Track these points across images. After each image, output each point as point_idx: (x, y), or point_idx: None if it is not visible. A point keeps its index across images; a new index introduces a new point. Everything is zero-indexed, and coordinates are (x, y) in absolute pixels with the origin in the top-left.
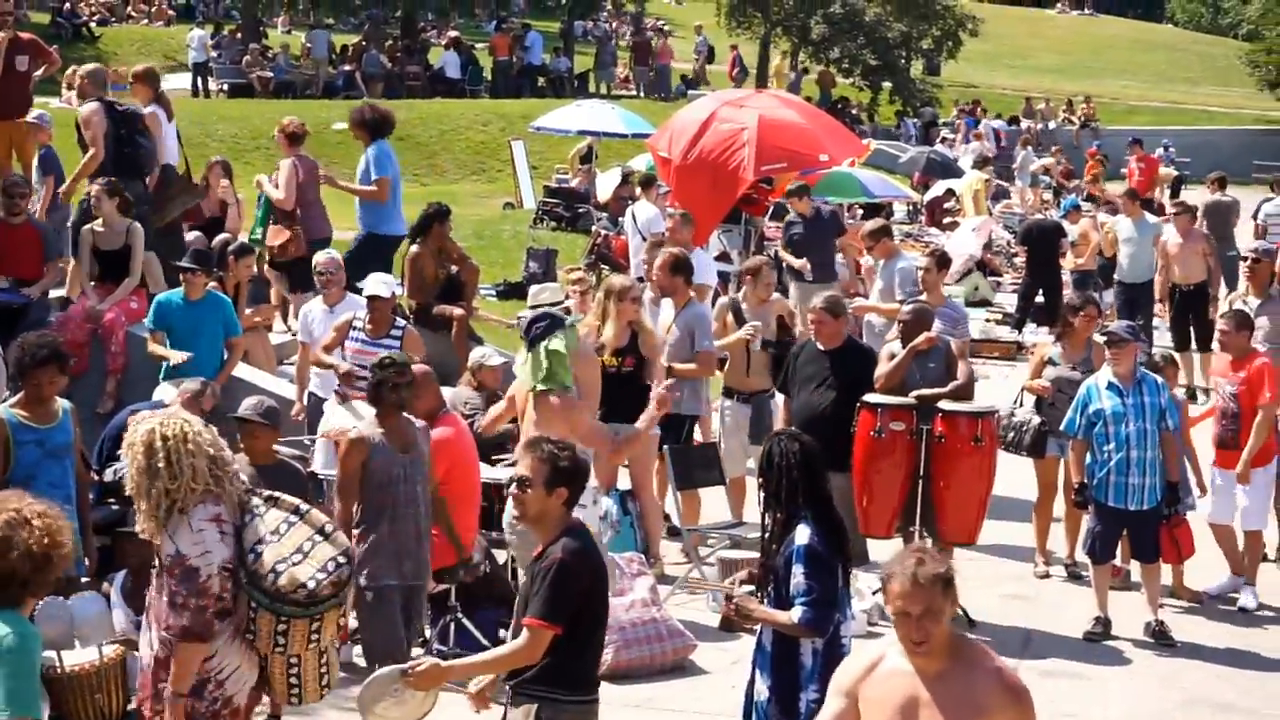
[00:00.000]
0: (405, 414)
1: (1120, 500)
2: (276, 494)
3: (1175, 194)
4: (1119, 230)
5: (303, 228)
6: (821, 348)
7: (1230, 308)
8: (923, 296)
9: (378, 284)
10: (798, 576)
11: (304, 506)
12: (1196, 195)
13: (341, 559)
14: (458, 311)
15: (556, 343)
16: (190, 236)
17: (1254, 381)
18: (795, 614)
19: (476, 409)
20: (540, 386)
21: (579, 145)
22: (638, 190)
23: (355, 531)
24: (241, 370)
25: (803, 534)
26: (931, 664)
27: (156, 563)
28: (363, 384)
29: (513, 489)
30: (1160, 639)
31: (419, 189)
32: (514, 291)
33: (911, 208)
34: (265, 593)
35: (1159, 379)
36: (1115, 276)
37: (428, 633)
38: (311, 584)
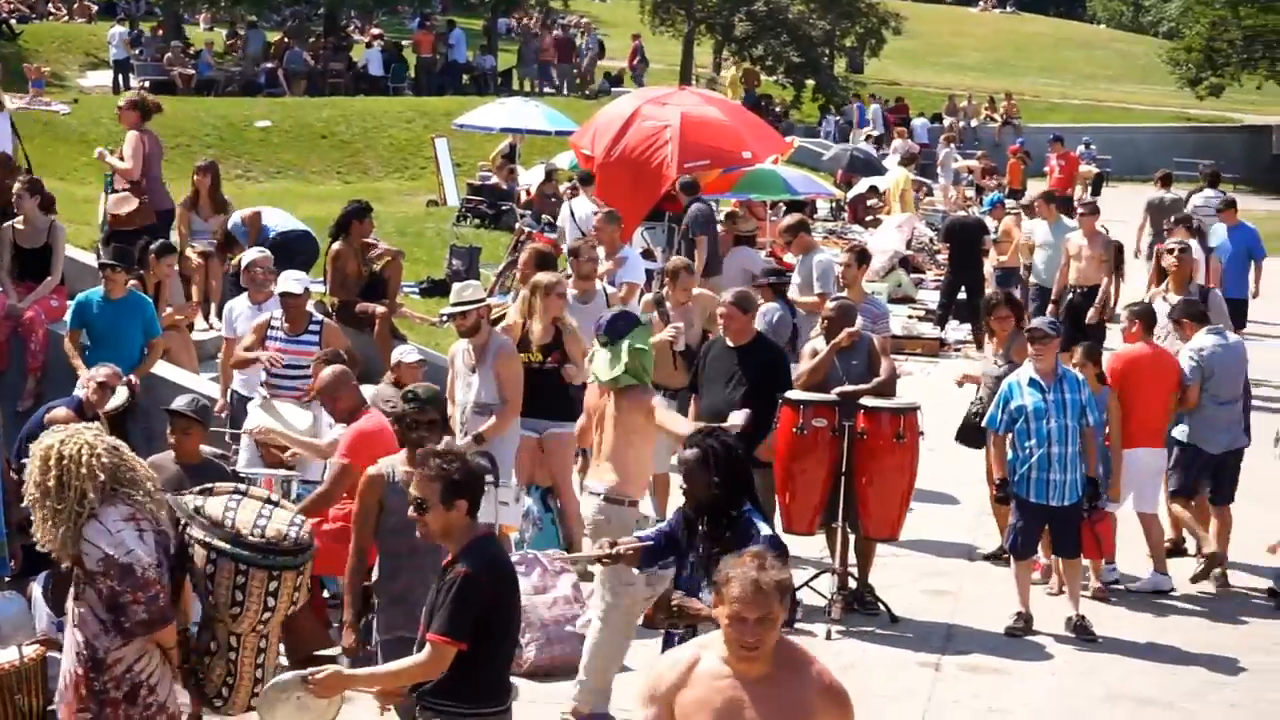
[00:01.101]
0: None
1: (1042, 496)
2: (209, 485)
3: (1096, 191)
4: (1034, 233)
5: (151, 200)
6: (730, 344)
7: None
8: (843, 293)
9: (289, 281)
10: None
11: (242, 487)
12: (1122, 193)
13: (299, 519)
14: (380, 309)
15: (639, 339)
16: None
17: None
18: None
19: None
20: (625, 382)
21: (502, 143)
22: (577, 186)
23: (373, 579)
24: (163, 368)
25: (764, 526)
26: (755, 668)
27: (77, 571)
28: (286, 381)
29: (411, 513)
30: (1081, 634)
31: (342, 186)
32: (437, 289)
33: (835, 205)
34: (255, 549)
35: (1079, 375)
36: (1030, 279)
37: None
38: (293, 533)
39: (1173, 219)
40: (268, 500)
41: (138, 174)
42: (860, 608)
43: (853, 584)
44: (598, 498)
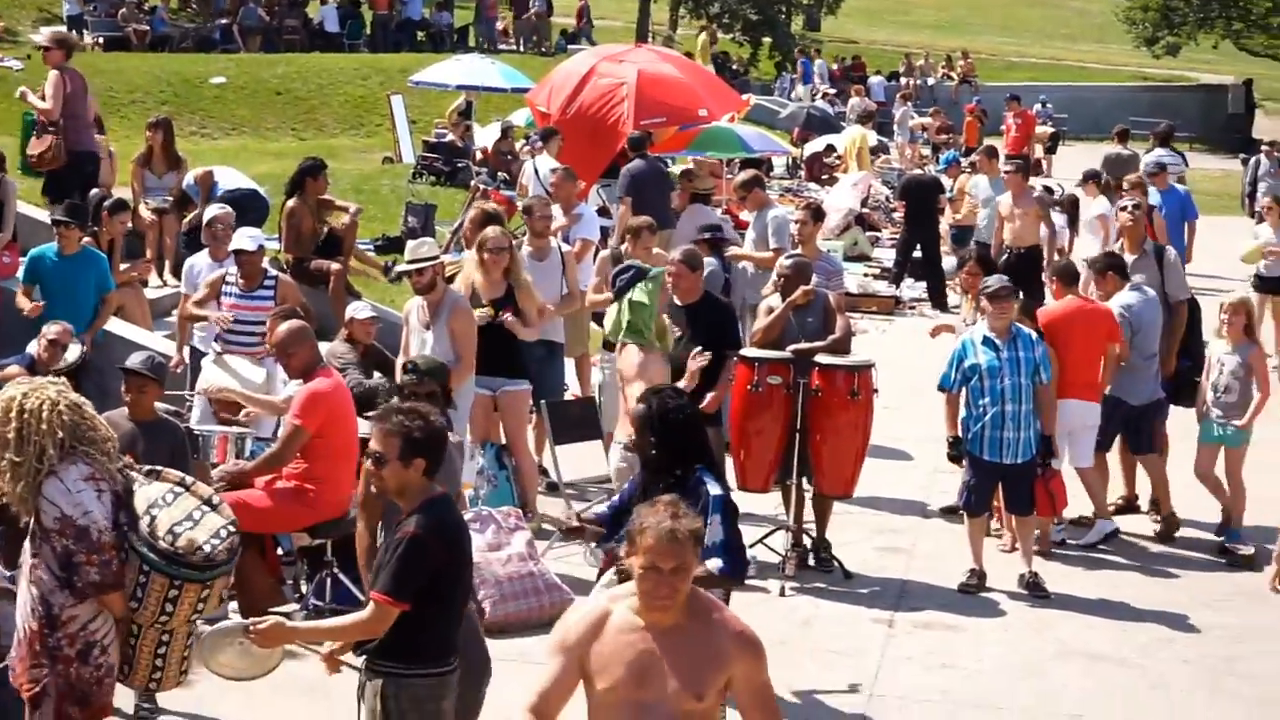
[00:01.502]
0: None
1: (995, 454)
2: (158, 468)
3: (1052, 150)
4: (977, 190)
5: (69, 139)
6: (679, 303)
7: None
8: (797, 249)
9: (243, 238)
10: (714, 526)
11: (188, 479)
12: (1078, 151)
13: (231, 528)
14: (335, 266)
15: (639, 294)
16: None
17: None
18: (714, 564)
19: (349, 363)
20: (623, 338)
21: (457, 100)
22: (540, 144)
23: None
24: (118, 326)
25: (714, 486)
26: (669, 618)
27: (34, 526)
28: (241, 337)
29: (369, 467)
30: (1034, 590)
31: (297, 143)
32: (392, 246)
33: (791, 163)
34: (162, 555)
35: (1033, 333)
36: (974, 238)
37: (304, 588)
38: (208, 548)
39: (1125, 180)
40: (207, 501)
41: (57, 113)
42: (817, 565)
43: (808, 541)
44: (620, 446)
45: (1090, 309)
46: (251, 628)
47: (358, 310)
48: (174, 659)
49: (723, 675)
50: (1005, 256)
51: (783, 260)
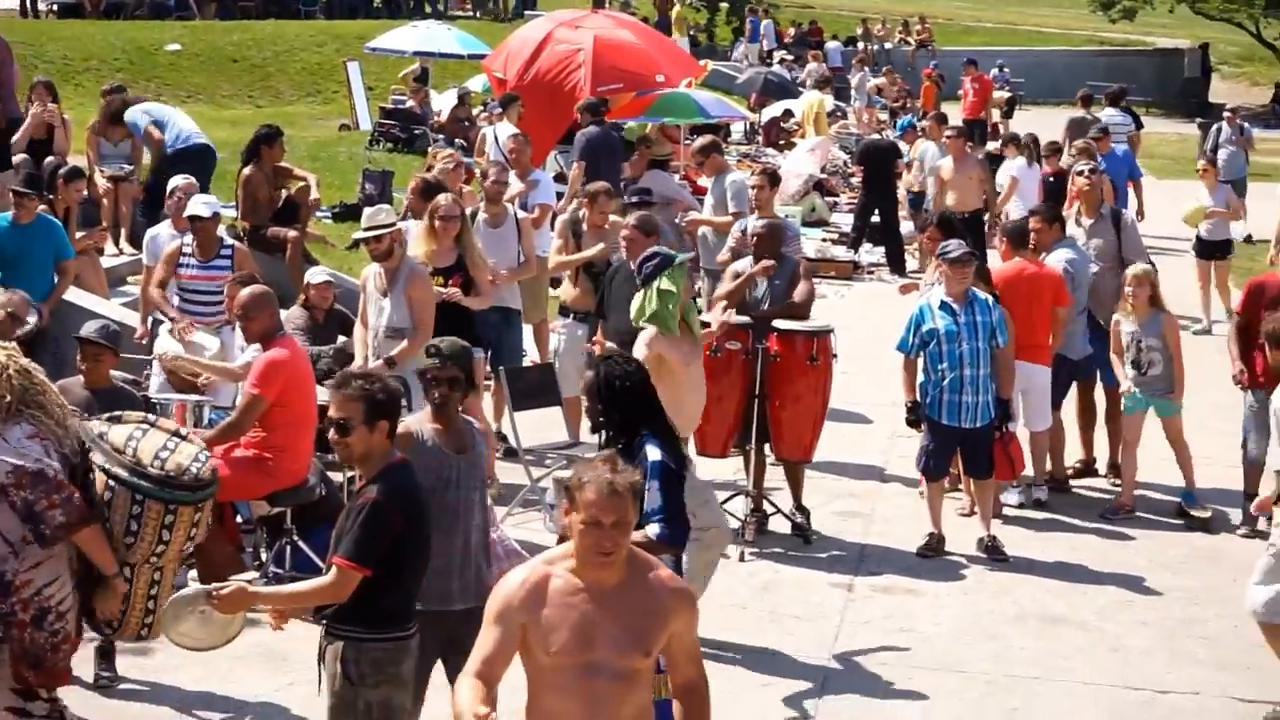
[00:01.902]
0: (462, 413)
1: (954, 418)
2: (118, 413)
3: (1009, 115)
4: (925, 156)
5: None
6: (634, 267)
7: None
8: (754, 215)
9: (198, 205)
10: (653, 492)
11: (151, 418)
12: (1035, 116)
13: (205, 454)
14: (292, 234)
15: (666, 282)
16: (18, 159)
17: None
18: (653, 530)
19: (301, 329)
20: (640, 323)
21: (411, 66)
22: (501, 111)
23: None
24: (74, 294)
25: (654, 452)
26: (610, 576)
27: None
28: (198, 307)
29: (332, 434)
30: (993, 554)
31: (253, 111)
32: (350, 213)
33: (749, 128)
34: (154, 480)
35: (989, 298)
36: (924, 203)
37: (263, 556)
38: (195, 468)
39: (1072, 146)
40: (175, 433)
41: None
42: (795, 533)
43: (768, 506)
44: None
45: (1035, 271)
46: (214, 593)
47: (315, 276)
48: (164, 601)
49: (665, 631)
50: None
51: (755, 222)
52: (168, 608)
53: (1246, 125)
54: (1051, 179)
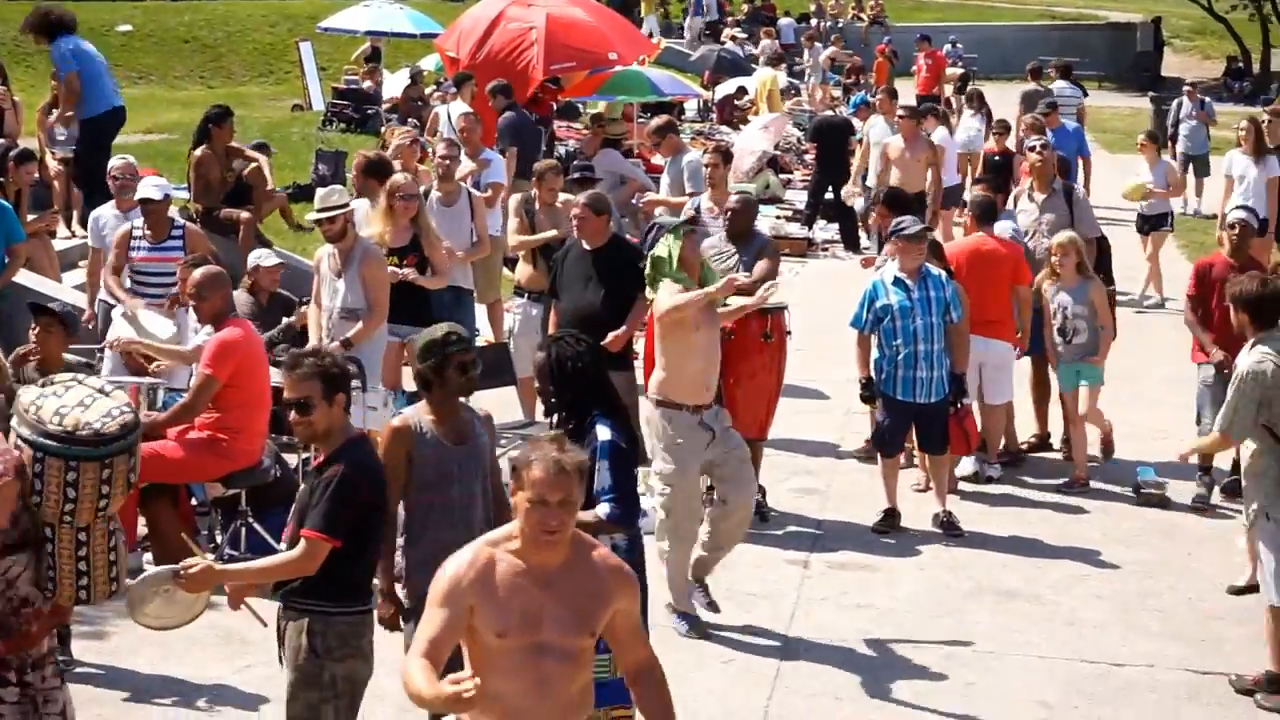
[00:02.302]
0: (464, 402)
1: (909, 394)
2: (51, 377)
3: (962, 91)
4: (872, 132)
5: None
6: (586, 247)
7: (1012, 203)
8: (706, 193)
9: (149, 187)
10: (602, 472)
11: (81, 375)
12: (988, 91)
13: (126, 408)
14: (244, 215)
15: (659, 249)
16: None
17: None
18: (603, 510)
19: (247, 315)
20: (649, 295)
21: (362, 46)
22: (455, 90)
23: (400, 540)
24: (25, 277)
25: (604, 432)
26: (555, 557)
27: None
28: (150, 289)
29: (293, 416)
30: (948, 530)
31: (205, 91)
32: (303, 194)
33: (703, 106)
34: (51, 436)
35: (942, 273)
36: (865, 182)
37: (219, 538)
38: (98, 424)
39: (1021, 121)
40: (100, 390)
41: None
42: (755, 510)
43: None
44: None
45: (991, 249)
46: (181, 572)
47: (264, 258)
48: (98, 564)
49: (608, 611)
50: None
51: (732, 197)
52: (133, 589)
53: (1207, 100)
54: (997, 157)
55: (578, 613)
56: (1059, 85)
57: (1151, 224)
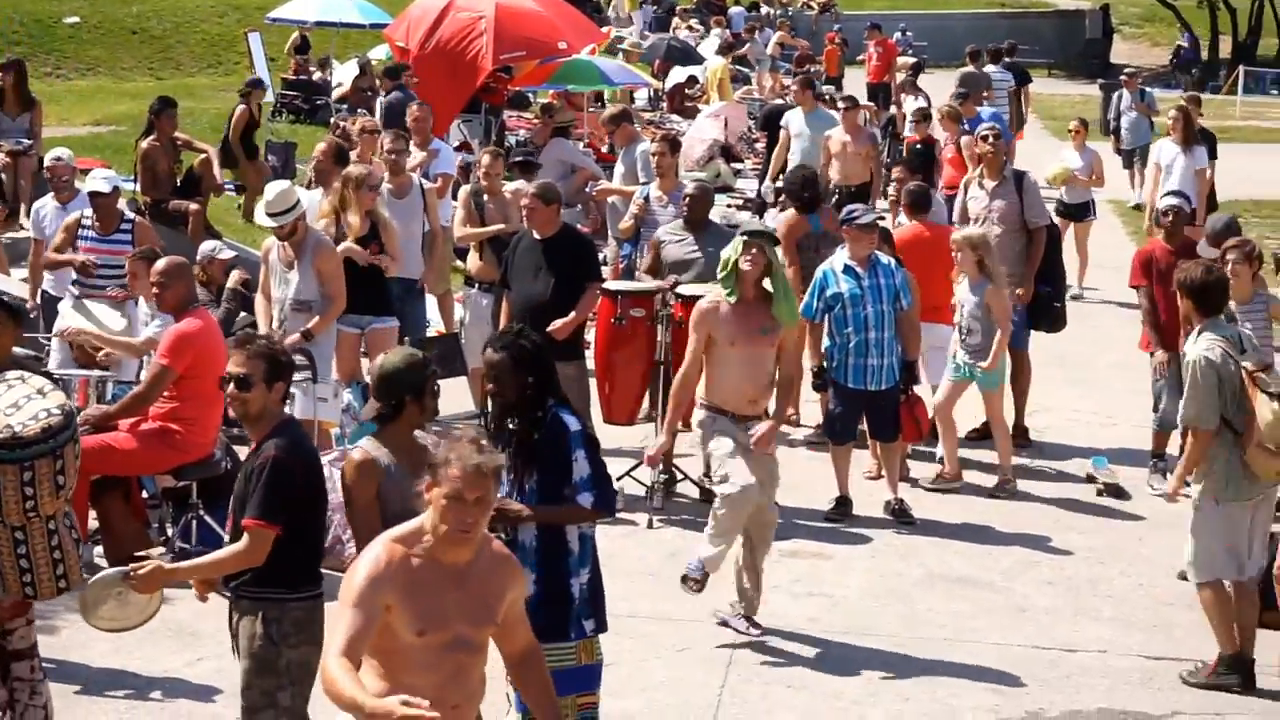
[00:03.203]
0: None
1: (860, 381)
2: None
3: (914, 79)
4: (789, 124)
5: None
6: (537, 236)
7: (963, 189)
8: (655, 182)
9: (98, 180)
10: (580, 462)
11: (26, 375)
12: (938, 79)
13: (55, 410)
14: (193, 206)
15: (726, 250)
16: None
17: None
18: (587, 499)
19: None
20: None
21: (292, 36)
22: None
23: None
24: None
25: (572, 421)
26: (466, 553)
27: None
28: (98, 281)
29: (231, 390)
30: (900, 517)
31: (154, 83)
32: None
33: (653, 95)
34: None
35: (892, 260)
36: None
37: (169, 530)
38: (17, 427)
39: (938, 111)
40: (38, 390)
41: None
42: (706, 499)
43: (676, 474)
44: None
45: (931, 235)
46: (132, 574)
47: (218, 250)
48: (40, 561)
49: (507, 600)
50: (835, 196)
51: (688, 185)
52: (86, 594)
53: (1148, 90)
54: (919, 145)
55: (484, 605)
56: (991, 69)
57: (1073, 213)
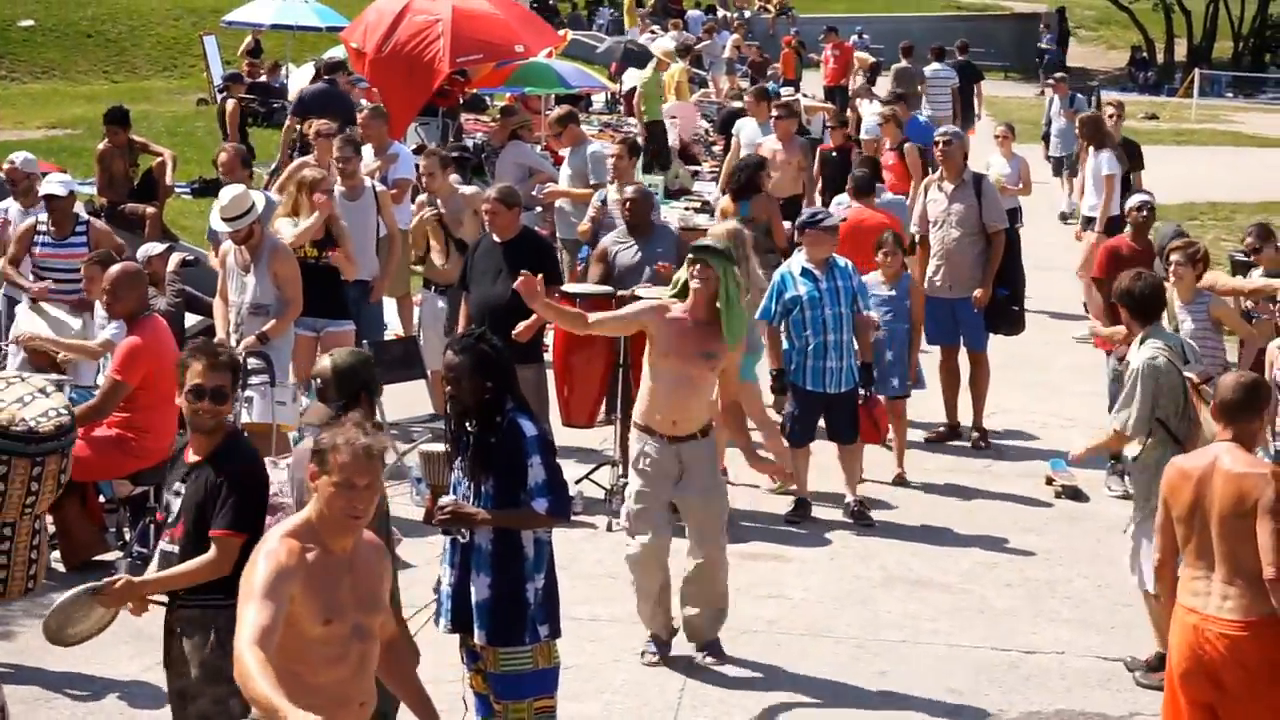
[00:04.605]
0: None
1: (818, 384)
2: None
3: (872, 82)
4: (740, 133)
5: None
6: (497, 239)
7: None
8: (613, 186)
9: (54, 183)
10: (536, 467)
11: (22, 374)
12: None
13: (63, 411)
14: (150, 210)
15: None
16: None
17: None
18: (542, 505)
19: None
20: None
21: (245, 40)
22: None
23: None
24: None
25: (529, 426)
26: (351, 541)
27: None
28: (55, 286)
29: (205, 404)
30: (859, 519)
31: (109, 86)
32: (209, 189)
33: (610, 98)
34: None
35: (849, 263)
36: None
37: (127, 535)
38: (32, 422)
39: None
40: (40, 390)
41: None
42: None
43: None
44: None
45: (871, 221)
46: (104, 589)
47: (151, 249)
48: (19, 559)
49: (387, 585)
50: None
51: (628, 188)
52: (53, 616)
53: (1079, 96)
54: (834, 154)
55: (372, 592)
56: (933, 67)
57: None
